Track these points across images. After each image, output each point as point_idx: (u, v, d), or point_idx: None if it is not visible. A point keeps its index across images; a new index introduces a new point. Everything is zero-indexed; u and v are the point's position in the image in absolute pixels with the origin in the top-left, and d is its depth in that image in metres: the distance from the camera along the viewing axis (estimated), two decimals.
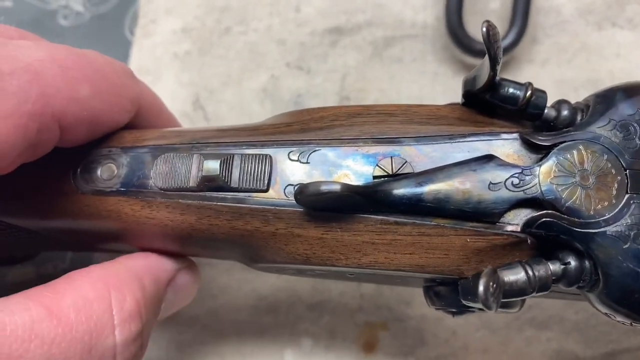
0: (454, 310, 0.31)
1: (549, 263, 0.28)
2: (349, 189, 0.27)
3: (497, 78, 0.30)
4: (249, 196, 0.30)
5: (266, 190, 0.30)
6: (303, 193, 0.27)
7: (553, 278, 0.28)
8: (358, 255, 0.29)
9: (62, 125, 0.29)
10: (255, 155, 0.30)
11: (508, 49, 0.51)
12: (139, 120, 0.35)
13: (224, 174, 0.30)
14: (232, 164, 0.30)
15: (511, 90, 0.30)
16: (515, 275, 0.27)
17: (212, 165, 0.30)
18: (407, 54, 0.54)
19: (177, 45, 0.56)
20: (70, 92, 0.28)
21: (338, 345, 0.47)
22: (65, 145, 0.31)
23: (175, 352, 0.46)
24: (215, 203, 0.30)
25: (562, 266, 0.28)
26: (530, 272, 0.27)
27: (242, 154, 0.30)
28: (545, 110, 0.30)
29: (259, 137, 0.31)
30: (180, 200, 0.31)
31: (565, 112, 0.30)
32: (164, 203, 0.31)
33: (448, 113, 0.31)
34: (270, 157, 0.30)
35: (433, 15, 0.54)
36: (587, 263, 0.28)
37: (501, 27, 0.52)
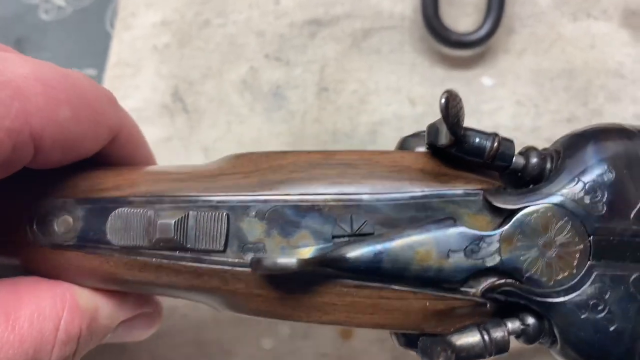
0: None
1: (508, 323, 0.28)
2: (305, 263, 0.27)
3: (461, 131, 0.29)
4: (207, 256, 0.29)
5: (223, 251, 0.29)
6: (259, 267, 0.27)
7: (513, 336, 0.28)
8: (319, 314, 0.29)
9: (37, 145, 0.28)
10: (211, 214, 0.29)
11: (484, 40, 0.51)
12: (113, 149, 0.34)
13: (178, 235, 0.29)
14: (187, 224, 0.29)
15: (477, 142, 0.29)
16: (471, 340, 0.27)
17: (166, 227, 0.29)
18: (385, 45, 0.55)
19: (157, 37, 0.56)
20: (50, 113, 0.28)
21: (316, 332, 0.48)
22: (35, 167, 0.30)
23: (154, 340, 0.47)
24: (173, 262, 0.29)
25: (522, 326, 0.28)
26: (486, 337, 0.27)
27: (197, 213, 0.29)
28: (514, 159, 0.29)
29: (215, 193, 0.30)
30: (138, 258, 0.30)
31: (534, 160, 0.30)
32: (122, 260, 0.30)
33: (411, 163, 0.30)
34: (227, 215, 0.29)
35: (411, 7, 0.55)
36: (546, 324, 0.28)
37: (477, 17, 0.53)
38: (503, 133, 0.51)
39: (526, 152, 0.31)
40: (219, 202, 0.29)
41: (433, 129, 0.30)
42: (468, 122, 0.51)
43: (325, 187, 0.29)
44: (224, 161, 0.32)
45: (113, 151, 0.34)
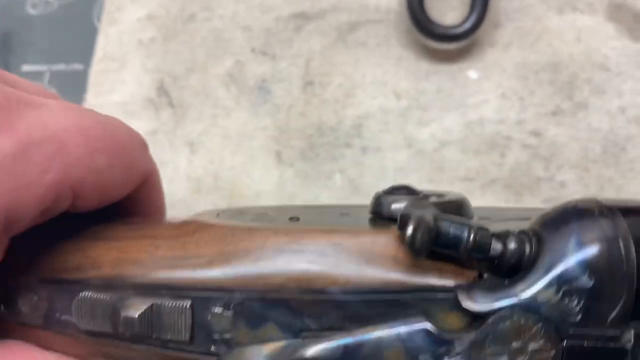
0: None
1: None
2: None
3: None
4: (175, 345, 0.28)
5: (189, 343, 0.28)
6: None
7: None
8: None
9: (75, 193, 0.29)
10: (176, 305, 0.28)
11: (468, 33, 0.51)
12: (139, 194, 0.35)
13: (143, 328, 0.28)
14: (151, 317, 0.28)
15: (452, 234, 0.26)
16: None
17: (131, 320, 0.28)
18: (371, 39, 0.55)
19: (142, 32, 0.56)
20: (89, 163, 0.29)
21: None
22: (73, 211, 0.31)
23: None
24: (140, 348, 0.29)
25: None
26: None
27: (161, 303, 0.28)
28: (491, 246, 0.27)
29: (178, 281, 0.29)
30: (107, 342, 0.29)
31: (512, 246, 0.27)
32: (90, 342, 0.29)
33: (383, 250, 0.28)
34: (192, 306, 0.28)
35: (396, 0, 0.55)
36: None
37: (463, 10, 0.53)
38: (488, 126, 0.51)
39: (504, 237, 0.28)
40: (182, 291, 0.28)
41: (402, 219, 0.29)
42: (453, 115, 0.52)
43: (293, 277, 0.28)
44: (187, 231, 0.31)
45: (137, 196, 0.34)
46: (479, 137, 0.51)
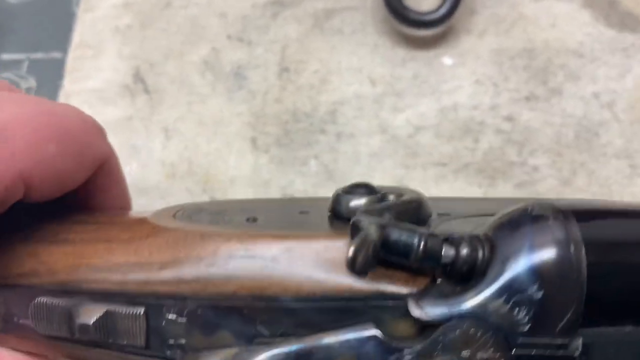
0: None
1: None
2: None
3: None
4: (131, 349, 0.29)
5: (145, 348, 0.28)
6: None
7: None
8: None
9: (27, 183, 0.29)
10: (130, 312, 0.28)
11: (443, 20, 0.52)
12: (96, 181, 0.34)
13: (99, 334, 0.28)
14: (106, 323, 0.28)
15: (402, 242, 0.26)
16: None
17: (86, 327, 0.28)
18: (347, 26, 0.55)
19: (119, 19, 0.56)
20: (37, 152, 0.29)
21: None
22: (29, 202, 0.31)
23: None
24: (100, 351, 0.29)
25: None
26: None
27: (115, 309, 0.28)
28: (443, 252, 0.27)
29: (132, 288, 0.29)
30: (66, 345, 0.29)
31: (464, 252, 0.27)
32: (51, 345, 0.30)
33: (336, 256, 0.28)
34: (146, 313, 0.28)
35: None
36: None
37: None
38: (462, 111, 0.52)
39: (456, 242, 0.27)
40: (136, 297, 0.28)
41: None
42: (428, 101, 0.52)
43: (245, 285, 0.28)
44: (141, 235, 0.31)
45: (96, 183, 0.34)
46: (452, 123, 0.51)
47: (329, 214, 0.31)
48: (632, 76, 0.52)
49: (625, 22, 0.54)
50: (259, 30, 0.55)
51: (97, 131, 0.34)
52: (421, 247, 0.26)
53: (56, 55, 0.59)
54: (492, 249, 0.27)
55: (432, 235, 0.26)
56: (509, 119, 0.51)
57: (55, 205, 0.33)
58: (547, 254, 0.26)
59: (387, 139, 0.51)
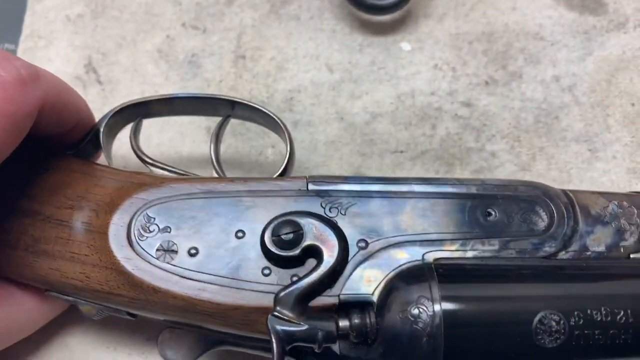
0: None
1: None
2: None
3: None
4: None
5: None
6: None
7: None
8: None
9: None
10: None
11: (398, 5, 0.51)
12: (44, 117, 0.36)
13: None
14: None
15: (306, 339, 0.32)
16: None
17: None
18: (304, 12, 0.54)
19: (70, 8, 0.55)
20: None
21: None
22: None
23: None
24: None
25: None
26: None
27: None
28: (340, 326, 0.33)
29: None
30: None
31: (355, 321, 0.33)
32: None
33: None
34: None
35: None
36: None
37: None
38: (419, 97, 0.51)
39: (351, 312, 0.33)
40: None
41: None
42: (385, 88, 0.51)
43: None
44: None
45: (47, 120, 0.37)
46: (409, 110, 0.50)
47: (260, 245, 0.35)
48: (593, 59, 0.52)
49: (586, 4, 0.53)
50: (213, 17, 0.54)
51: (22, 80, 0.33)
52: (320, 338, 0.32)
53: (9, 46, 0.57)
54: (379, 314, 0.33)
55: (326, 321, 0.32)
56: (467, 104, 0.50)
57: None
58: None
59: (344, 126, 0.50)
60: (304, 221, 0.34)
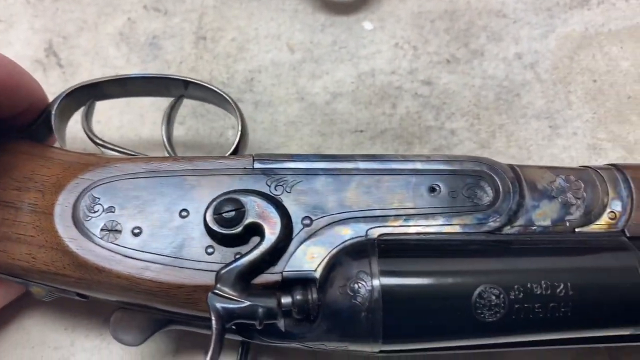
0: None
1: None
2: None
3: None
4: None
5: None
6: None
7: None
8: None
9: None
10: None
11: None
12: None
13: None
14: None
15: (245, 317, 0.33)
16: None
17: None
18: None
19: None
20: None
21: None
22: None
23: None
24: None
25: None
26: None
27: None
28: (282, 303, 0.33)
29: None
30: None
31: (298, 297, 0.33)
32: None
33: None
34: None
35: None
36: None
37: None
38: (380, 77, 0.50)
39: (294, 289, 0.34)
40: None
41: None
42: (346, 67, 0.51)
43: None
44: None
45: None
46: (370, 89, 0.50)
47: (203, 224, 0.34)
48: (556, 36, 0.51)
49: None
50: None
51: None
52: (261, 315, 0.32)
53: None
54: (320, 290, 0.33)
55: (267, 298, 0.32)
56: (428, 82, 0.50)
57: None
58: None
59: (304, 106, 0.50)
60: (246, 199, 0.34)
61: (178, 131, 0.50)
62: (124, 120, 0.51)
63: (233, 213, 0.34)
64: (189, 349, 0.44)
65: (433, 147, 0.48)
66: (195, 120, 0.51)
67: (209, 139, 0.50)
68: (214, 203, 0.34)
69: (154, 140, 0.50)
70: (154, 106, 0.51)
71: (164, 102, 0.51)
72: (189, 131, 0.50)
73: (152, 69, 0.52)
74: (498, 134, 0.48)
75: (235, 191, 0.35)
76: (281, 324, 0.34)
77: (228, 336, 0.37)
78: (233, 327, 0.35)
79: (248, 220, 0.33)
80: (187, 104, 0.51)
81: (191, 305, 0.34)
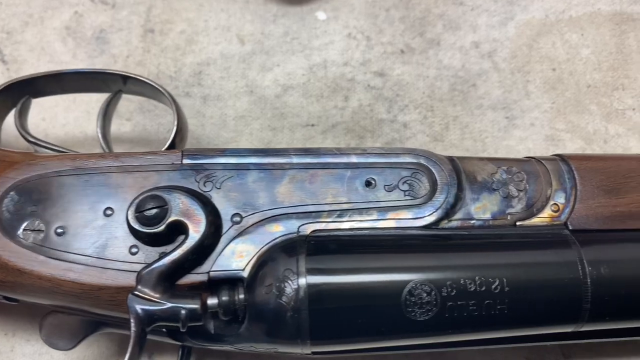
0: None
1: None
2: None
3: None
4: None
5: None
6: None
7: None
8: None
9: None
10: None
11: None
12: None
13: None
14: None
15: (169, 319, 0.32)
16: None
17: None
18: None
19: None
20: None
21: None
22: None
23: None
24: None
25: None
26: None
27: None
28: (208, 304, 0.32)
29: None
30: None
31: (224, 299, 0.32)
32: None
33: None
34: None
35: None
36: None
37: None
38: (332, 68, 0.49)
39: (220, 290, 0.33)
40: None
41: None
42: (297, 59, 0.49)
43: None
44: None
45: None
46: (322, 81, 0.49)
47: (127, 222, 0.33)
48: (515, 23, 0.50)
49: None
50: None
51: None
52: (184, 317, 0.31)
53: None
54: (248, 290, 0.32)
55: (192, 300, 0.31)
56: (381, 74, 0.49)
57: None
58: None
59: (254, 100, 0.49)
60: (169, 196, 0.33)
61: (125, 127, 0.49)
62: (69, 118, 0.49)
63: (155, 211, 0.32)
64: None
65: (385, 140, 0.47)
66: (143, 116, 0.49)
67: (157, 135, 0.49)
68: (136, 201, 0.33)
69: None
70: (100, 102, 0.50)
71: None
72: (135, 127, 0.49)
73: (99, 64, 0.51)
74: (452, 126, 0.47)
75: (158, 188, 0.33)
76: (210, 325, 0.33)
77: (162, 339, 0.36)
78: (163, 329, 0.34)
79: (171, 218, 0.32)
80: (134, 100, 0.49)
81: (116, 307, 0.33)
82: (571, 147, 0.46)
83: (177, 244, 0.33)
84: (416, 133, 0.47)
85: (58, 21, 0.52)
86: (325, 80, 0.49)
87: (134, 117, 0.49)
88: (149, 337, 0.37)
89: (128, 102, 0.49)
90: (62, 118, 0.49)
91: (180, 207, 0.33)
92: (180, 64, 0.50)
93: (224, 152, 0.35)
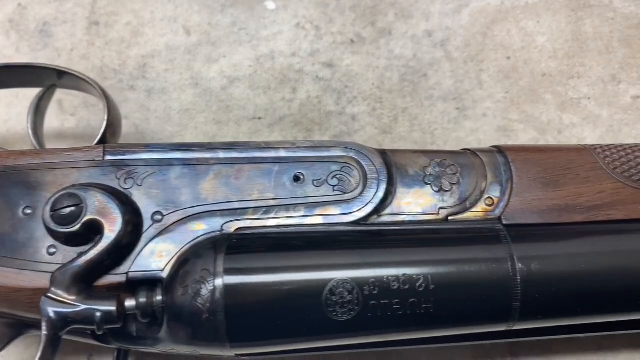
0: None
1: None
2: None
3: None
4: None
5: None
6: None
7: None
8: None
9: None
10: None
11: None
12: None
13: None
14: None
15: (83, 321, 0.31)
16: None
17: None
18: None
19: None
20: None
21: None
22: None
23: None
24: None
25: None
26: None
27: None
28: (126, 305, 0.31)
29: None
30: None
31: (142, 300, 0.31)
32: None
33: None
34: None
35: None
36: None
37: None
38: (279, 59, 0.48)
39: (138, 291, 0.32)
40: None
41: None
42: (244, 50, 0.48)
43: None
44: None
45: None
46: (269, 73, 0.48)
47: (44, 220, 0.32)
48: (469, 11, 0.49)
49: None
50: None
51: None
52: (99, 319, 0.30)
53: None
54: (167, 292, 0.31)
55: (111, 302, 0.30)
56: (329, 65, 0.48)
57: None
58: None
59: (199, 92, 0.48)
60: (85, 194, 0.32)
61: (69, 123, 0.48)
62: (11, 113, 0.48)
63: (70, 209, 0.31)
64: (70, 354, 0.42)
65: (333, 134, 0.46)
66: (87, 111, 0.48)
67: (100, 129, 0.48)
68: (52, 199, 0.32)
69: (45, 134, 0.48)
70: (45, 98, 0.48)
71: (56, 94, 0.48)
72: (80, 123, 0.48)
73: (43, 58, 0.50)
74: (401, 118, 0.46)
75: (75, 186, 0.32)
76: (133, 327, 0.32)
77: (87, 341, 0.35)
78: (88, 331, 0.33)
79: (87, 217, 0.31)
80: (79, 95, 0.48)
81: (35, 309, 0.32)
82: (524, 138, 0.45)
83: (93, 243, 0.32)
84: (365, 125, 0.46)
85: (1, 14, 0.51)
86: (272, 72, 0.48)
87: (79, 112, 0.48)
88: (76, 339, 0.37)
89: (72, 97, 0.48)
90: (4, 114, 0.48)
91: (96, 205, 0.32)
92: (125, 56, 0.49)
93: (147, 147, 0.34)
